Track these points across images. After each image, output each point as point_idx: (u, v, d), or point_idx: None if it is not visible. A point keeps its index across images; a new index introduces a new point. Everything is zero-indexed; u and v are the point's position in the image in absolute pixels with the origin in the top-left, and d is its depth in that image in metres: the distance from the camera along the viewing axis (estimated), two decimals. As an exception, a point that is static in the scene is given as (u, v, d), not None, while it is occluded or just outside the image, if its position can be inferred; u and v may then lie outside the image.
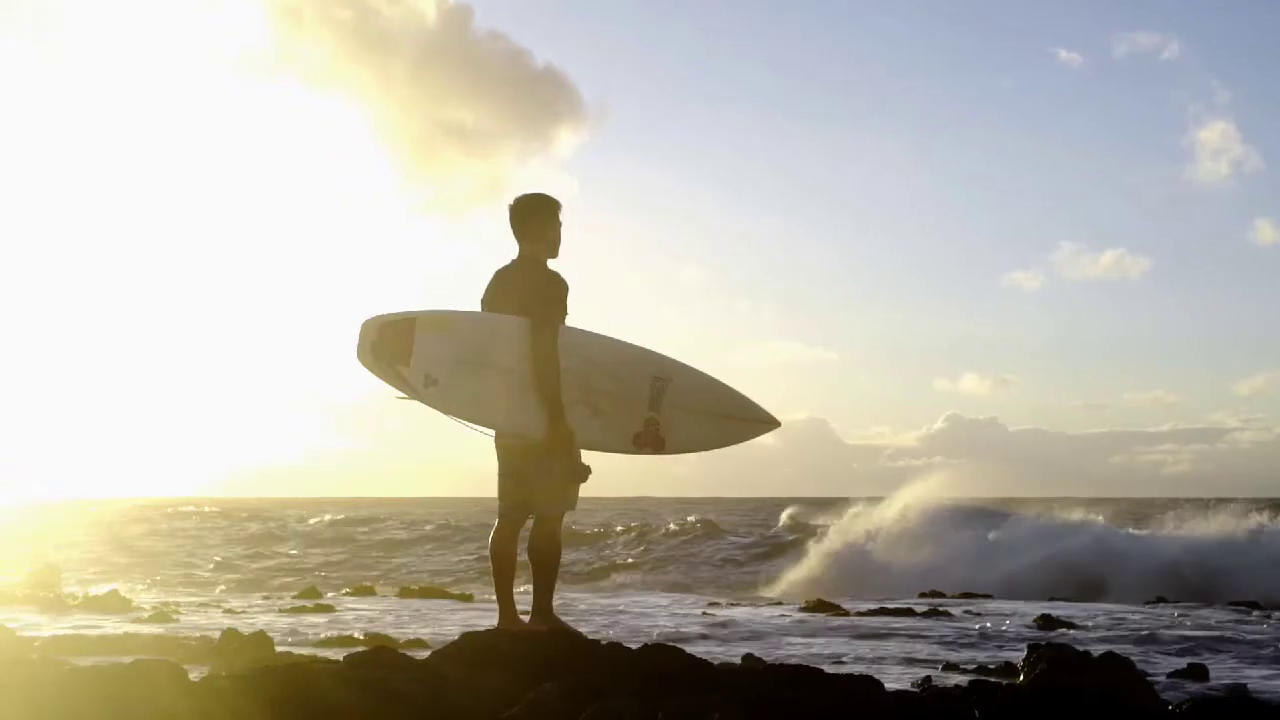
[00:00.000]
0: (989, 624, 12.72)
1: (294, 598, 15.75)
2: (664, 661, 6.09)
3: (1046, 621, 12.51)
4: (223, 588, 19.41)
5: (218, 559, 28.36)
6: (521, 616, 6.62)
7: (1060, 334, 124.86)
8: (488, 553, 6.76)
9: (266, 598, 16.31)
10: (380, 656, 5.85)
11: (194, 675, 5.68)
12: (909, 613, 14.23)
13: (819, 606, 14.74)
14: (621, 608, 14.79)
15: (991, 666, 9.04)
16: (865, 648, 10.62)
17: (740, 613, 14.22)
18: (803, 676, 6.17)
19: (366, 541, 31.81)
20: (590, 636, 6.97)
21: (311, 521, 43.32)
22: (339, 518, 44.94)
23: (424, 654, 6.81)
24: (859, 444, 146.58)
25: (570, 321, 6.60)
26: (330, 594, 16.55)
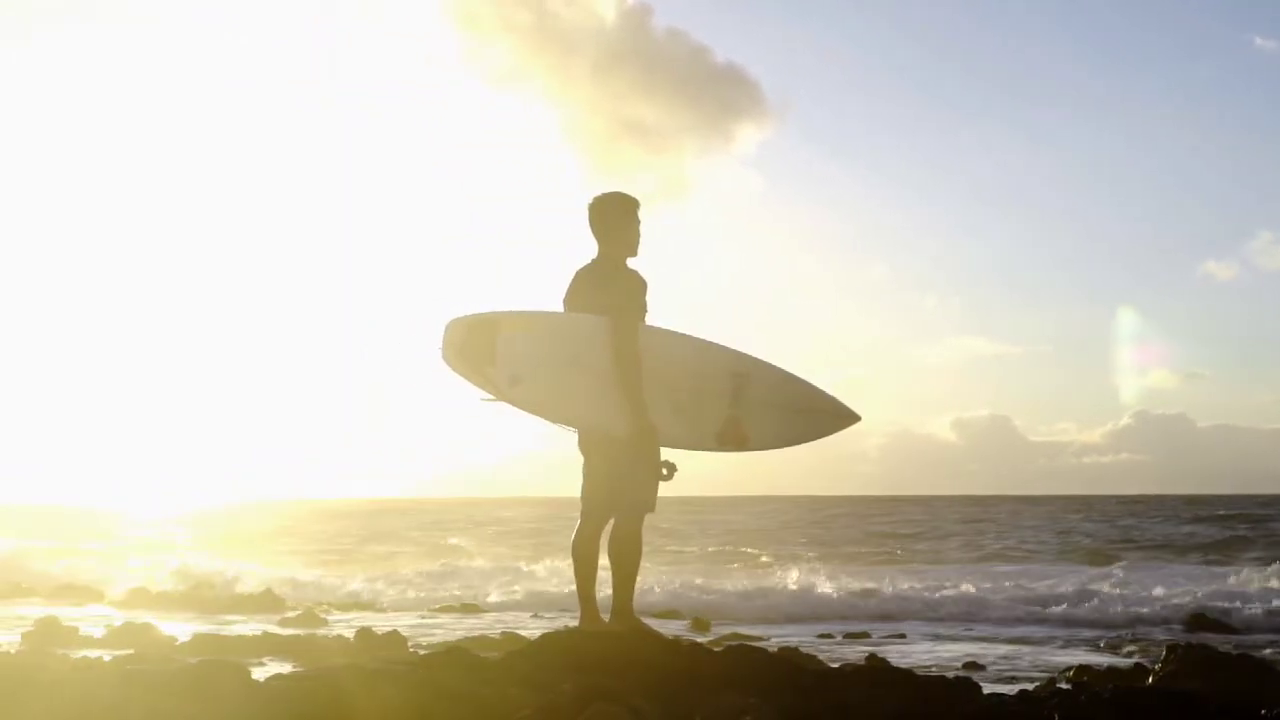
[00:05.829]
0: (1143, 626, 12.37)
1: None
2: (741, 663, 5.98)
3: (1197, 621, 12.05)
4: (378, 586, 19.73)
5: (392, 560, 28.97)
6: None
7: (1255, 326, 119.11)
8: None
9: (419, 598, 16.57)
10: (453, 657, 5.88)
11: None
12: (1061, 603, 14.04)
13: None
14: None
15: (1122, 669, 8.70)
16: (1009, 650, 10.38)
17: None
18: (884, 677, 6.01)
19: (542, 541, 32.13)
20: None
21: (492, 527, 44.02)
22: (523, 518, 45.53)
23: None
24: (1043, 440, 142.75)
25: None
26: (489, 593, 16.78)
